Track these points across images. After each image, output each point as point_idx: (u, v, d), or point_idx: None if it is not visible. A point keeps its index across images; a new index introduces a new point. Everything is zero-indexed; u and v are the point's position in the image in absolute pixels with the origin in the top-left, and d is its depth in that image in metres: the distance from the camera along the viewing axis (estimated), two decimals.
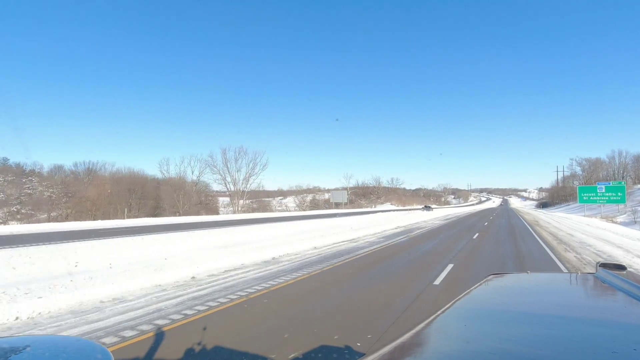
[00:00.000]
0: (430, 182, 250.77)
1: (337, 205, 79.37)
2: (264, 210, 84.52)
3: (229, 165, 53.54)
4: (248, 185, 54.34)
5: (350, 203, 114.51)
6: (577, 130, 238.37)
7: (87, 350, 0.90)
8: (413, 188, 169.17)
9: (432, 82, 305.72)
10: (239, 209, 51.70)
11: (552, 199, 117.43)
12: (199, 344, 3.91)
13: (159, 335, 4.19)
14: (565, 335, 0.87)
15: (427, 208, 59.68)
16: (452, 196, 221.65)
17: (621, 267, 1.49)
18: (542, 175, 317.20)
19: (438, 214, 44.26)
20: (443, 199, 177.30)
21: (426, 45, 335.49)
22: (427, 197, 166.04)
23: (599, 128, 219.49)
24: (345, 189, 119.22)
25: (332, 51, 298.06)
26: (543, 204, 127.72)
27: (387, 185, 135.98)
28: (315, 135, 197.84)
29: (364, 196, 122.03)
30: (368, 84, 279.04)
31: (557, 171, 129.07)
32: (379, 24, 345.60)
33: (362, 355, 0.84)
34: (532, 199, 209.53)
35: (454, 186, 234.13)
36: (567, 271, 8.40)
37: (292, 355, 3.54)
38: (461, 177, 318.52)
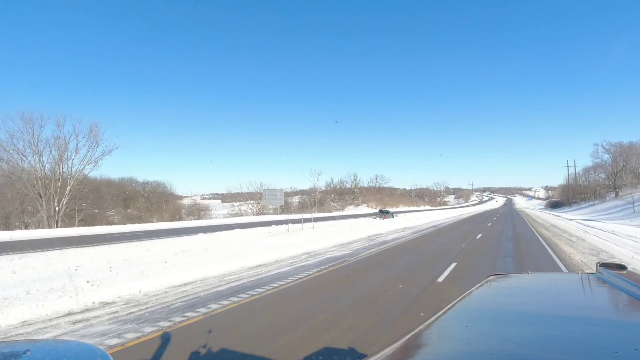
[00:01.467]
0: (426, 181, 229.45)
1: (274, 210, 57.67)
2: (198, 216, 63.70)
3: (37, 144, 30.90)
4: (75, 174, 32.28)
5: (319, 205, 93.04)
6: (581, 127, 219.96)
7: (87, 354, 0.88)
8: (408, 188, 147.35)
9: (431, 81, 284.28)
10: (58, 217, 29.98)
11: (566, 197, 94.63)
12: None
13: None
14: (566, 335, 0.85)
15: (383, 214, 37.45)
16: (453, 196, 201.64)
17: (622, 267, 1.45)
18: (547, 174, 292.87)
19: (386, 227, 22.80)
20: (439, 199, 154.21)
21: (427, 46, 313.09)
22: (421, 198, 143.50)
23: (603, 126, 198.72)
24: (315, 189, 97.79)
25: (331, 53, 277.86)
26: (554, 204, 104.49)
27: (370, 185, 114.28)
28: (317, 135, 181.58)
29: (340, 197, 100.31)
30: (365, 84, 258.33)
31: (568, 166, 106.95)
32: (378, 25, 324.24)
33: (364, 356, 0.84)
34: (539, 198, 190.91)
35: (454, 185, 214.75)
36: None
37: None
38: (463, 176, 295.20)
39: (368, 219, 35.60)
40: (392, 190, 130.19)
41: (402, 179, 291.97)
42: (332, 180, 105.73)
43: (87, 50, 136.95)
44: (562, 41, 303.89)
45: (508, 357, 0.72)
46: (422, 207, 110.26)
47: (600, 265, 1.50)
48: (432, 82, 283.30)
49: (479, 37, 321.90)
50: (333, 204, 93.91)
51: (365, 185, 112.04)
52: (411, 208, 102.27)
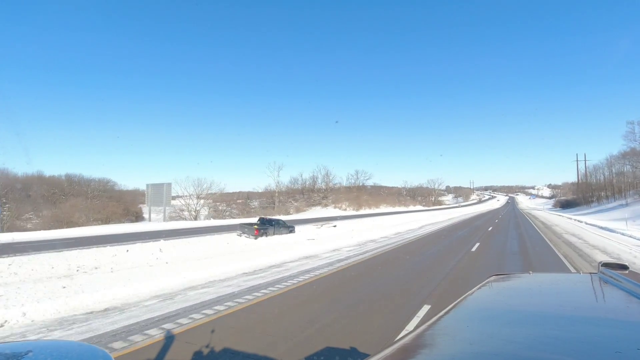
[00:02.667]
0: (420, 179, 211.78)
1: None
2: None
3: None
4: None
5: (281, 205, 75.44)
6: (585, 123, 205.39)
7: (89, 354, 0.87)
8: (400, 186, 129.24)
9: (429, 77, 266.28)
10: None
11: (581, 195, 76.26)
12: None
13: None
14: (568, 335, 0.83)
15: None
16: (452, 195, 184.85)
17: (623, 267, 1.43)
18: (550, 172, 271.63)
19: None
20: (432, 199, 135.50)
21: (426, 41, 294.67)
22: (413, 197, 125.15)
23: (607, 123, 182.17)
24: (275, 187, 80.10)
25: (328, 51, 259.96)
26: (566, 203, 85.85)
27: (351, 182, 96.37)
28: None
29: (308, 196, 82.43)
30: (362, 81, 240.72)
31: (578, 160, 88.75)
32: (376, 23, 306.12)
33: (366, 356, 0.83)
34: (543, 197, 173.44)
35: (454, 184, 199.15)
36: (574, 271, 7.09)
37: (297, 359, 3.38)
38: (463, 174, 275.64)
39: (230, 236, 17.74)
40: (378, 189, 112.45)
41: (398, 177, 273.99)
42: (301, 176, 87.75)
43: (83, 48, 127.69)
44: (564, 35, 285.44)
45: (510, 357, 0.70)
46: (410, 208, 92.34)
47: (602, 265, 1.45)
48: (430, 78, 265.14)
49: (479, 33, 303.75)
50: (296, 204, 76.11)
51: (345, 183, 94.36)
52: (397, 209, 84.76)
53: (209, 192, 67.57)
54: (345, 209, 71.46)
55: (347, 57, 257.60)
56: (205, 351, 3.89)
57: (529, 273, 1.64)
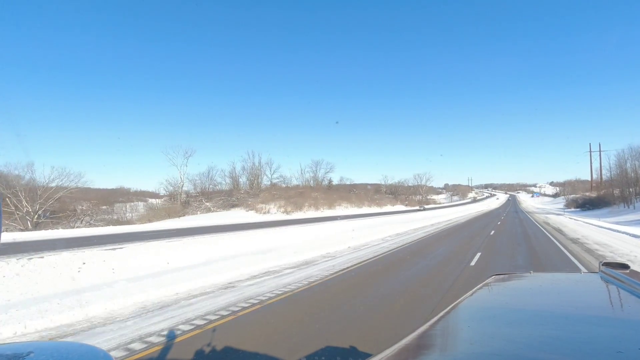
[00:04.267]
0: (401, 173, 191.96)
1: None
2: None
3: None
4: None
5: (188, 205, 52.56)
6: (588, 121, 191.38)
7: (90, 355, 0.86)
8: (388, 182, 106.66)
9: (425, 74, 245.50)
10: None
11: (614, 189, 53.42)
12: None
13: None
14: (569, 335, 0.82)
15: None
16: (450, 193, 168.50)
17: (624, 266, 1.42)
18: (550, 169, 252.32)
19: None
20: (420, 198, 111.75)
21: (425, 38, 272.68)
22: (395, 196, 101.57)
23: (608, 121, 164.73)
24: (180, 182, 56.88)
25: (326, 50, 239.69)
26: (584, 203, 62.74)
27: (310, 176, 73.46)
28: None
29: (230, 194, 59.21)
30: (361, 78, 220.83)
31: (591, 151, 66.18)
32: (375, 22, 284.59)
33: (367, 356, 0.84)
34: (546, 195, 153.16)
35: (447, 180, 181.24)
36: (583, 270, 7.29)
37: (296, 358, 3.37)
38: (462, 172, 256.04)
39: None
40: (348, 186, 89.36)
41: (389, 175, 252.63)
42: (234, 168, 64.44)
43: (82, 48, 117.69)
44: (564, 34, 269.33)
45: (511, 357, 0.69)
46: (384, 209, 69.35)
47: (602, 265, 1.43)
48: (427, 76, 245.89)
49: (480, 32, 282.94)
50: (208, 204, 52.82)
51: (301, 178, 71.57)
52: (365, 210, 62.05)
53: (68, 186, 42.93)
54: (267, 212, 48.30)
55: (345, 56, 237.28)
56: None
57: (530, 273, 1.59)
